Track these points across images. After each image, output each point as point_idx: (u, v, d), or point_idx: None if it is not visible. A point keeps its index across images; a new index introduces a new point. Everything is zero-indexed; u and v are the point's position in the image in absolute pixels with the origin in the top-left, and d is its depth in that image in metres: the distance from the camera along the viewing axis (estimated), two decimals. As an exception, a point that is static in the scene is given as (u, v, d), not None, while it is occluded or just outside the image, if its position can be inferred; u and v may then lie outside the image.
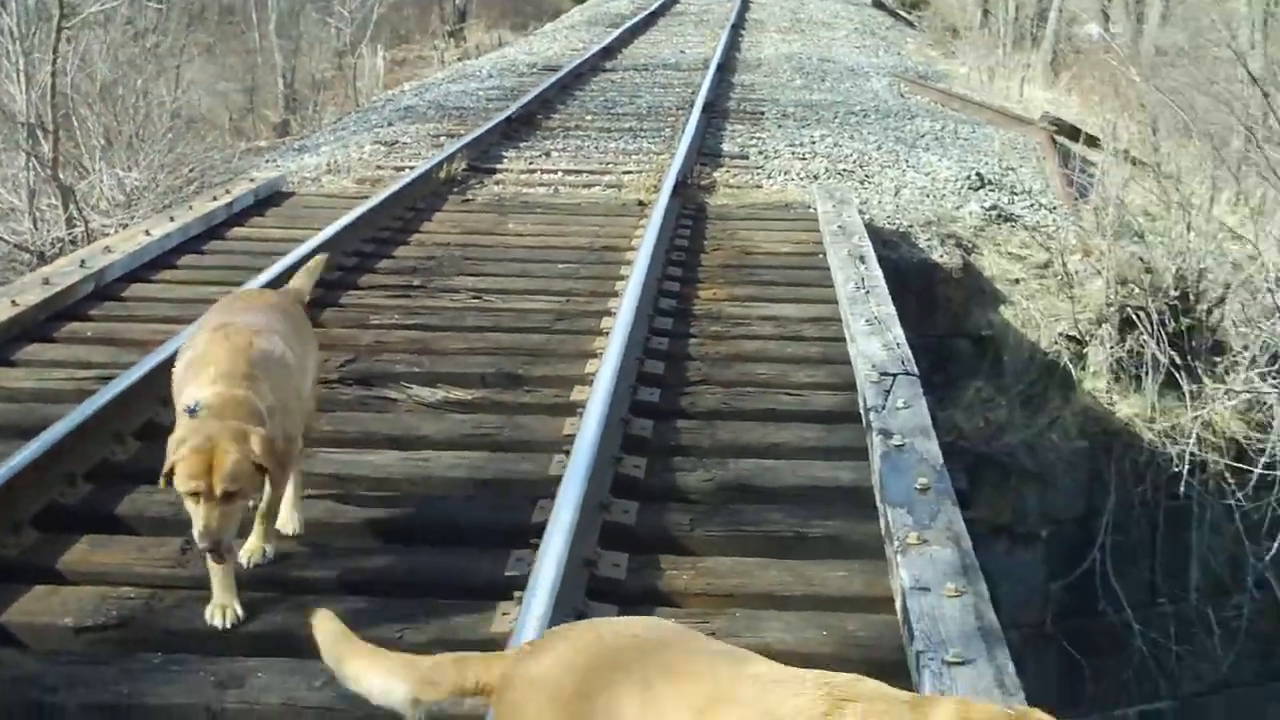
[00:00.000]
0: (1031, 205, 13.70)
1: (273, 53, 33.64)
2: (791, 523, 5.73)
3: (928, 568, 4.78)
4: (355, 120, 18.55)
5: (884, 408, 6.42)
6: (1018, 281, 12.08)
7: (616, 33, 27.27)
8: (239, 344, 4.74)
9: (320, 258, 6.26)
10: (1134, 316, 11.25)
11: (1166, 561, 11.20)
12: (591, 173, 13.88)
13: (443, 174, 12.85)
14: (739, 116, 17.86)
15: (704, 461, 6.40)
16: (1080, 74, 24.87)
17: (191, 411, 4.53)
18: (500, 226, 11.40)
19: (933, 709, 2.60)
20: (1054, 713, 2.60)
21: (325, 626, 3.32)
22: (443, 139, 15.42)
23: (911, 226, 12.18)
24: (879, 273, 9.04)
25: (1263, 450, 10.64)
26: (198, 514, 4.37)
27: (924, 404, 6.50)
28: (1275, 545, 10.52)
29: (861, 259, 9.39)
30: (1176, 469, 10.69)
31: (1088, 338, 11.54)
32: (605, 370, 6.79)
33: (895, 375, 6.84)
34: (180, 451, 4.38)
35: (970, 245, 12.25)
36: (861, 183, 13.59)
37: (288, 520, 5.32)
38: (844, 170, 14.15)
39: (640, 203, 11.99)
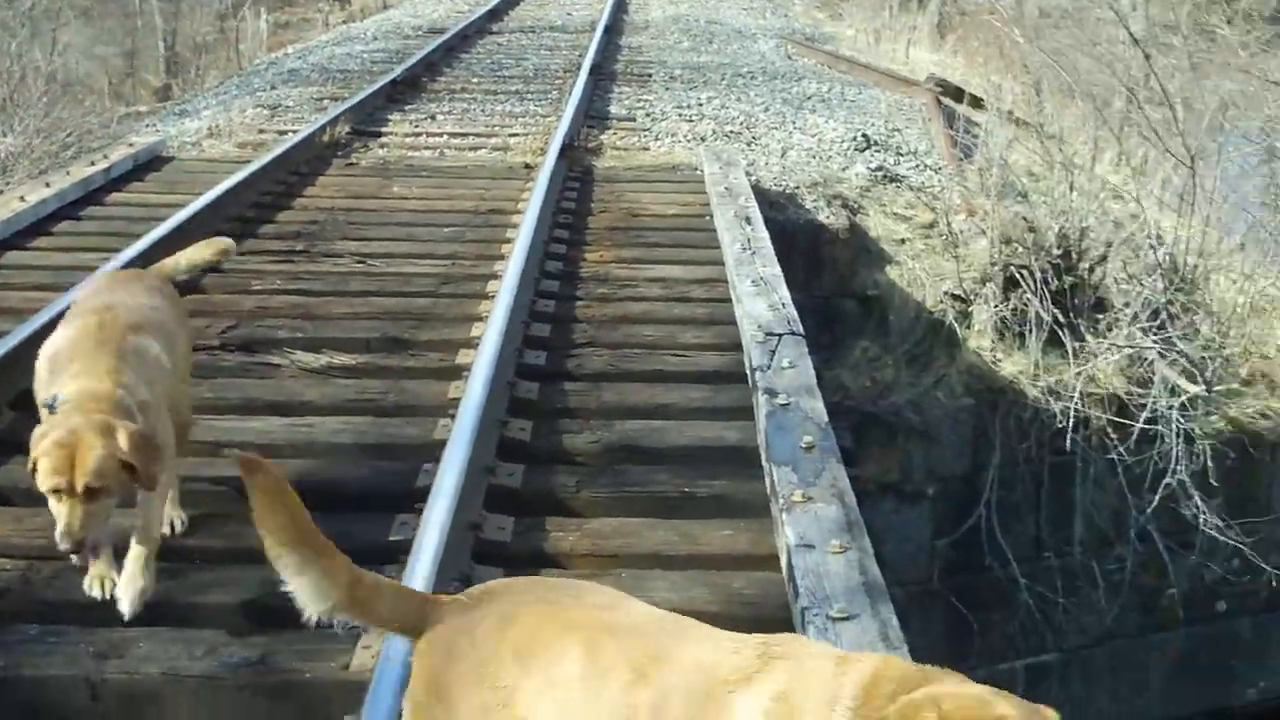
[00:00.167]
0: (917, 166, 13.78)
1: (153, 15, 33.00)
2: (678, 483, 5.76)
3: (812, 525, 4.80)
4: (237, 84, 18.25)
5: (769, 367, 6.44)
6: (903, 242, 12.15)
7: (504, -6, 27.06)
8: (111, 334, 4.55)
9: (225, 243, 5.80)
10: (1018, 275, 11.35)
11: (1051, 516, 11.32)
12: (478, 136, 13.79)
13: (326, 138, 12.70)
14: (626, 79, 17.81)
15: (590, 423, 6.41)
16: (966, 36, 25.01)
17: (50, 407, 4.35)
18: (385, 190, 11.30)
19: (855, 664, 2.66)
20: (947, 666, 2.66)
21: (268, 489, 3.02)
22: (326, 102, 15.25)
23: (798, 188, 12.21)
24: (765, 234, 9.06)
25: (1144, 405, 10.79)
26: (60, 513, 4.14)
27: (809, 363, 6.53)
28: (1157, 498, 10.67)
29: (748, 220, 9.41)
30: (1060, 425, 10.80)
31: (973, 297, 11.63)
32: (491, 333, 6.78)
33: (781, 335, 6.86)
34: (42, 446, 4.16)
35: (856, 206, 12.30)
36: (748, 145, 13.61)
37: (167, 520, 5.06)
38: (731, 132, 14.16)
39: (527, 166, 11.93)
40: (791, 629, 4.37)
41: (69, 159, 13.18)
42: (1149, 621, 11.55)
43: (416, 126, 14.26)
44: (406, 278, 8.73)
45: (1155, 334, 11.03)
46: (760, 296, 7.57)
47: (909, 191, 12.88)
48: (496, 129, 14.14)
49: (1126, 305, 11.36)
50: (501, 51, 20.46)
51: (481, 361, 6.40)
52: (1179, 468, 10.60)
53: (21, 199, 9.90)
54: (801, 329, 7.04)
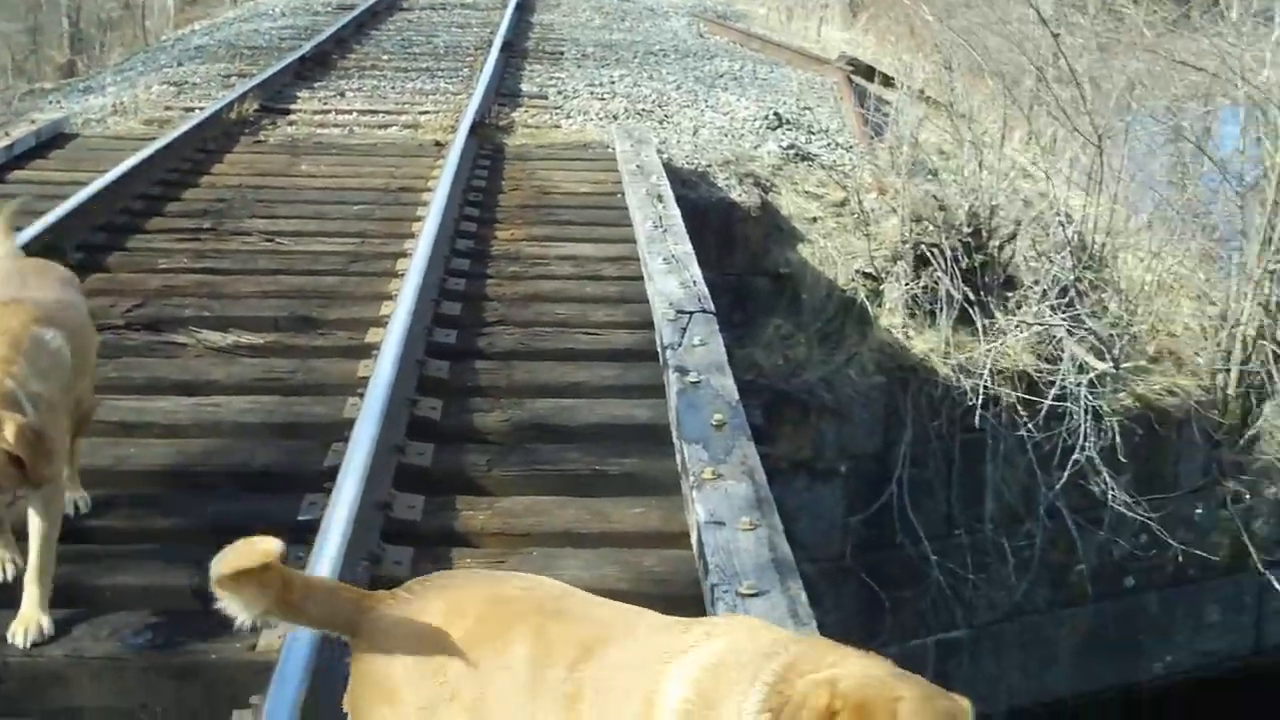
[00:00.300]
0: (828, 144, 13.82)
1: (57, -9, 32.53)
2: (589, 461, 5.75)
3: (722, 502, 4.80)
4: (143, 60, 18.00)
5: (680, 345, 6.44)
6: (815, 220, 12.19)
7: (415, -29, 26.86)
8: (10, 325, 4.32)
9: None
10: (929, 253, 11.42)
11: (962, 493, 11.41)
12: (388, 113, 13.68)
13: (234, 115, 12.56)
14: (538, 56, 17.74)
15: (501, 402, 6.39)
16: (877, 15, 25.09)
17: None
18: (293, 168, 11.18)
19: (792, 646, 2.68)
20: (859, 644, 2.69)
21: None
22: (234, 79, 15.08)
23: (710, 166, 12.21)
24: (677, 212, 9.06)
25: (1052, 382, 10.90)
26: None
27: (720, 341, 6.54)
28: (1065, 475, 10.78)
29: (660, 198, 9.40)
30: (971, 402, 10.89)
31: (884, 275, 11.69)
32: (400, 312, 6.74)
33: (692, 313, 6.87)
34: None
35: (768, 184, 12.31)
36: (660, 123, 13.59)
37: (70, 503, 4.89)
38: (643, 110, 14.14)
39: (437, 143, 11.85)
40: (701, 606, 4.37)
41: (-31, 136, 12.97)
42: (1058, 597, 11.68)
43: (326, 104, 14.12)
44: (315, 256, 8.65)
45: (1064, 312, 11.13)
46: (672, 274, 7.56)
47: (821, 170, 12.91)
48: (407, 106, 14.02)
49: (1036, 283, 11.46)
50: (412, 28, 20.33)
51: (391, 340, 6.35)
52: (1087, 444, 10.72)
53: (-80, 176, 9.73)
54: (713, 307, 7.04)
